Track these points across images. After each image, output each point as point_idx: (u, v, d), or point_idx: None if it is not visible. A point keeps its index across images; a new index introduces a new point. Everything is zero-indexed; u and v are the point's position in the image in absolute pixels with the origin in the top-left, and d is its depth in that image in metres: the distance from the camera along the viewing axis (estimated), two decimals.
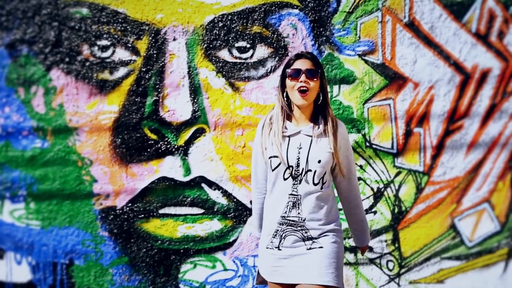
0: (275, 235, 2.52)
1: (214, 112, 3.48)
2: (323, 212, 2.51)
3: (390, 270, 3.70)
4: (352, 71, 3.57)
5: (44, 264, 3.47)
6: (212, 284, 3.56)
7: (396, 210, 3.68)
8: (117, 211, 3.48)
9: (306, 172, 2.48)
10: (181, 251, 3.53)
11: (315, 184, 2.49)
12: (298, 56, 2.57)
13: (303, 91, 2.48)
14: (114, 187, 3.46)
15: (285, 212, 2.49)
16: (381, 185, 3.65)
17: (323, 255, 2.47)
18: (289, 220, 2.49)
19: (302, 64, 2.52)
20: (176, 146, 3.48)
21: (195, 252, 3.54)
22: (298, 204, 2.49)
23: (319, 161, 2.47)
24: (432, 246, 3.74)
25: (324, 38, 3.53)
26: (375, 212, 3.66)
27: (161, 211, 3.50)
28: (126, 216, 3.49)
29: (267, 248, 2.54)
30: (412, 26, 3.60)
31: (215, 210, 3.51)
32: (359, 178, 3.60)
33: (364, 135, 3.61)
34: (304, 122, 2.56)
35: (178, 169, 3.49)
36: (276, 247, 2.51)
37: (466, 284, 3.79)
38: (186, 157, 3.48)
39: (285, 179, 2.50)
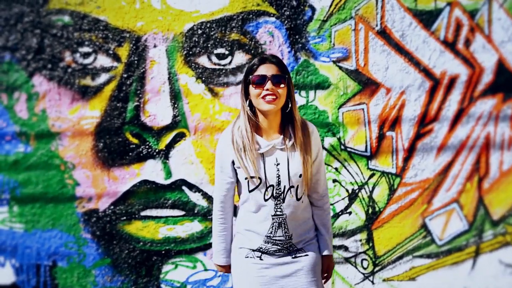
0: (258, 249, 2.29)
1: (194, 116, 3.50)
2: (307, 223, 2.35)
3: (365, 269, 3.74)
4: (327, 77, 3.62)
5: (28, 266, 3.45)
6: (193, 284, 3.58)
7: (370, 210, 3.72)
8: (100, 213, 3.48)
9: (288, 189, 2.22)
10: (163, 252, 3.54)
11: (298, 200, 2.25)
12: (262, 60, 2.24)
13: (270, 99, 2.18)
14: (97, 190, 3.47)
15: (271, 233, 2.25)
16: (356, 187, 3.69)
17: (309, 262, 2.29)
18: (275, 239, 2.25)
19: (267, 70, 2.21)
20: (157, 150, 3.49)
21: (176, 253, 3.55)
22: (284, 224, 2.24)
23: (300, 175, 2.22)
24: (404, 245, 3.78)
25: (300, 45, 3.58)
26: (350, 213, 3.69)
27: (143, 213, 3.51)
28: (108, 219, 3.49)
29: (247, 257, 2.29)
30: (384, 34, 3.65)
31: (196, 212, 3.53)
32: (335, 180, 3.67)
33: (339, 139, 3.65)
34: (274, 134, 2.27)
35: (159, 172, 3.50)
36: (258, 257, 2.27)
37: (436, 281, 3.83)
38: (167, 161, 3.50)
39: (266, 200, 2.22)
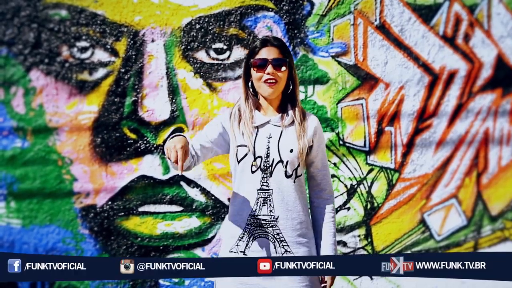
0: (242, 237, 2.20)
1: (192, 112, 3.50)
2: (298, 209, 2.21)
3: None
4: (325, 72, 3.62)
5: None
6: (191, 280, 3.57)
7: (369, 206, 3.73)
8: (97, 209, 3.48)
9: (277, 163, 2.17)
10: (161, 248, 3.54)
11: (287, 177, 2.18)
12: (264, 43, 2.24)
13: (271, 82, 2.20)
14: (94, 186, 3.46)
15: (255, 210, 2.17)
16: (354, 182, 3.70)
17: None
18: (259, 219, 2.16)
19: (268, 53, 2.21)
20: (155, 145, 3.49)
21: (174, 248, 3.55)
22: (270, 200, 2.16)
23: (291, 150, 2.19)
24: (403, 240, 3.79)
25: (299, 40, 3.58)
26: (348, 208, 3.69)
27: (141, 209, 3.51)
28: (106, 214, 3.49)
29: (231, 252, 2.23)
30: (383, 29, 3.65)
31: (194, 207, 3.53)
32: (333, 175, 3.66)
33: (337, 134, 3.65)
34: (272, 113, 2.27)
35: (157, 167, 3.50)
36: (241, 251, 2.19)
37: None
38: (165, 156, 3.52)
39: (252, 172, 2.18)
